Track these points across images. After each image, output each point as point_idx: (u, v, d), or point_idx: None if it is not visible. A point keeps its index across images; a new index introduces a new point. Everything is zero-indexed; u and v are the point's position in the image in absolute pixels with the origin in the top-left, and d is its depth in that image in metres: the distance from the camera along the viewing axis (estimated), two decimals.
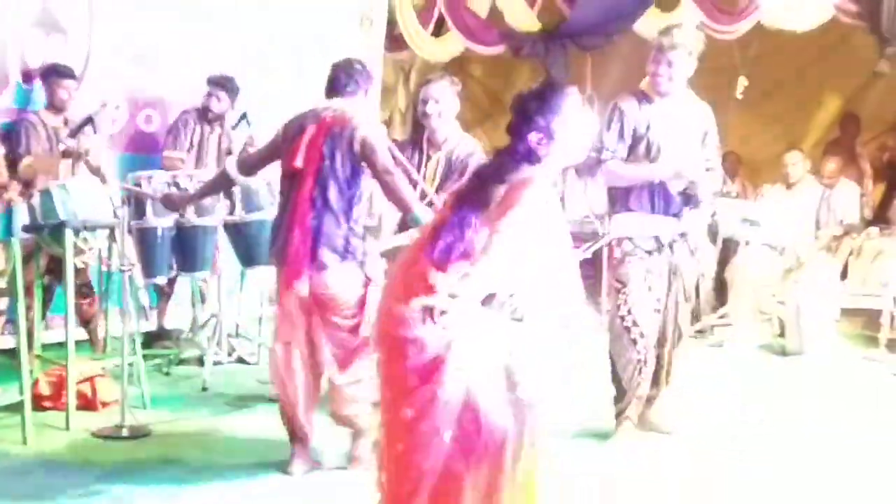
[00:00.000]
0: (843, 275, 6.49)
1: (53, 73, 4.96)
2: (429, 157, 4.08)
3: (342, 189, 3.35)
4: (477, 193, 2.45)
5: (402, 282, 2.45)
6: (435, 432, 2.35)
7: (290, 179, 3.44)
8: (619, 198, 3.94)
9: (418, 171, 4.05)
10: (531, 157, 2.44)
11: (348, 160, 3.36)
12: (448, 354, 2.35)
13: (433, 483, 2.37)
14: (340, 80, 3.53)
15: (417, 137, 4.20)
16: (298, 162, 3.35)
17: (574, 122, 2.48)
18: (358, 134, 3.36)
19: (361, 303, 3.35)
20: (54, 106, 4.93)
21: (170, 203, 4.12)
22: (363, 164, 3.38)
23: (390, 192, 3.41)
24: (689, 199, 3.89)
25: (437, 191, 3.93)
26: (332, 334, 3.35)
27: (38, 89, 5.16)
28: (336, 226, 3.32)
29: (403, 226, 3.79)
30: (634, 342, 3.84)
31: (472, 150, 4.08)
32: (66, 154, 4.78)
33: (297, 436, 3.45)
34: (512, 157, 2.47)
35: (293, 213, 3.35)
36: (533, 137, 2.43)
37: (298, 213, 3.33)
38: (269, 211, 4.48)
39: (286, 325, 3.40)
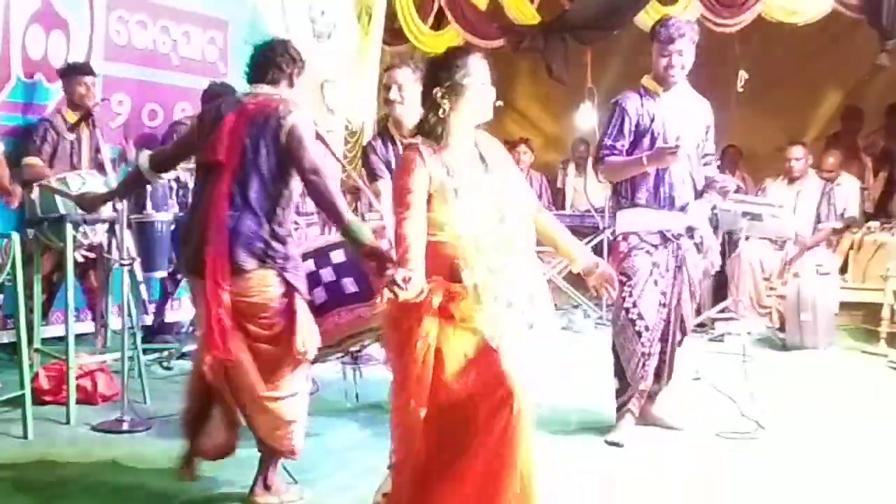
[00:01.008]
0: (844, 269, 6.49)
1: (71, 71, 5.01)
2: (398, 146, 3.95)
3: (266, 186, 3.00)
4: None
5: None
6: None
7: (207, 175, 3.09)
8: (625, 193, 3.93)
9: (389, 162, 3.95)
10: (438, 110, 2.54)
11: (273, 154, 3.00)
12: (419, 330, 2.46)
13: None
14: (262, 64, 3.19)
15: (385, 127, 4.10)
16: (219, 154, 3.01)
17: (478, 77, 2.58)
18: (285, 124, 2.99)
19: (283, 312, 2.99)
20: (74, 103, 4.98)
21: (83, 203, 3.68)
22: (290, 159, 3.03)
23: (317, 196, 3.02)
24: (693, 192, 3.90)
25: None
26: (251, 345, 3.00)
27: (40, 84, 5.17)
28: (257, 227, 2.97)
29: None
30: (639, 335, 3.84)
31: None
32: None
33: (197, 451, 3.15)
34: (422, 124, 2.58)
35: (208, 213, 2.99)
36: (437, 92, 2.55)
37: (215, 211, 2.97)
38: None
39: (229, 337, 2.98)
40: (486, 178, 2.62)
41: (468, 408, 2.48)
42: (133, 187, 3.72)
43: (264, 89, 3.12)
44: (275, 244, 2.98)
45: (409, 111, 3.89)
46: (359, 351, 3.97)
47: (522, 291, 2.56)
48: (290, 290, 3.01)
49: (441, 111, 2.57)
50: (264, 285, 2.97)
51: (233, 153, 3.00)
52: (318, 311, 3.21)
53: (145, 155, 3.32)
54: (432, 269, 2.51)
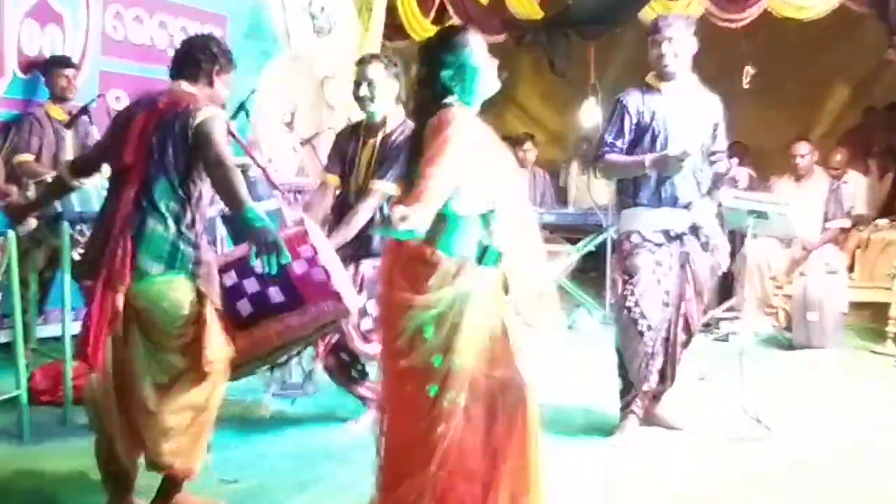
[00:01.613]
0: (851, 268, 6.43)
1: (51, 64, 5.01)
2: (364, 144, 3.87)
3: (174, 188, 2.88)
4: (409, 165, 2.56)
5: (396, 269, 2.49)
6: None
7: (117, 177, 2.99)
8: (628, 191, 3.89)
9: (353, 158, 3.88)
10: (446, 95, 2.50)
11: (181, 153, 2.88)
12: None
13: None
14: (180, 60, 3.08)
15: (357, 123, 4.00)
16: (126, 157, 2.91)
17: (480, 53, 2.56)
18: (192, 122, 2.87)
19: (193, 320, 2.86)
20: (57, 96, 4.96)
21: (10, 212, 3.56)
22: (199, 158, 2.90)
23: (218, 186, 2.87)
24: (698, 190, 3.84)
25: (372, 177, 3.74)
26: (155, 356, 2.87)
27: (37, 80, 5.14)
28: (162, 230, 2.85)
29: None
30: (641, 334, 3.79)
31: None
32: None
33: (118, 479, 2.95)
34: (427, 107, 2.53)
35: (113, 216, 2.87)
36: (446, 75, 2.51)
37: (120, 215, 2.85)
38: None
39: (102, 347, 2.86)
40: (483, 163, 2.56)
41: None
42: (56, 195, 3.53)
43: (181, 86, 3.02)
44: (183, 247, 2.86)
45: (380, 108, 3.83)
46: (285, 362, 3.73)
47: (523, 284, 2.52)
48: (201, 297, 2.87)
49: (451, 94, 2.52)
50: (171, 290, 2.84)
51: (139, 154, 2.90)
52: (244, 323, 3.05)
53: (67, 161, 3.21)
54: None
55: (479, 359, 2.42)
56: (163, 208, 2.86)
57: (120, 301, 2.81)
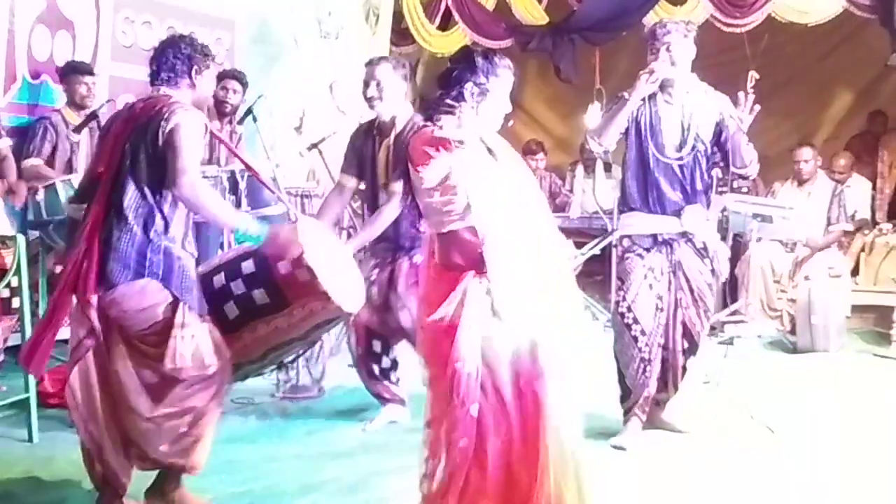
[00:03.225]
0: (855, 271, 6.44)
1: (71, 71, 5.01)
2: (380, 144, 3.91)
3: (143, 194, 2.83)
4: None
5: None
6: (462, 406, 2.50)
7: (89, 185, 2.97)
8: (623, 195, 3.92)
9: (372, 159, 3.92)
10: (459, 101, 2.59)
11: (154, 160, 2.82)
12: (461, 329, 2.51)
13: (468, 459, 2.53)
14: (157, 63, 3.00)
15: (370, 123, 4.04)
16: (100, 165, 2.88)
17: (503, 91, 2.67)
18: (164, 126, 2.81)
19: (168, 324, 2.83)
20: (75, 103, 4.97)
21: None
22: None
23: (188, 205, 2.84)
24: (686, 195, 3.81)
25: (390, 178, 3.78)
26: (137, 361, 2.85)
27: (47, 85, 5.17)
28: (129, 238, 2.81)
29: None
30: (635, 340, 3.79)
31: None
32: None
33: (108, 484, 2.94)
34: (436, 108, 2.61)
35: (84, 226, 2.85)
36: (470, 87, 2.59)
37: (90, 224, 2.82)
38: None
39: (44, 352, 2.88)
40: (495, 167, 2.63)
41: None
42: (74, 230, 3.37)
43: (161, 90, 2.97)
44: (151, 255, 2.82)
45: (389, 108, 3.87)
46: (293, 360, 3.84)
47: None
48: (176, 302, 2.84)
49: (467, 104, 2.61)
50: (143, 297, 2.82)
51: (112, 161, 2.86)
52: (232, 325, 3.02)
53: (68, 199, 3.23)
54: (462, 256, 2.56)
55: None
56: (130, 216, 2.82)
57: (92, 312, 2.79)
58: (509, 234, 2.55)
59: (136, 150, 2.85)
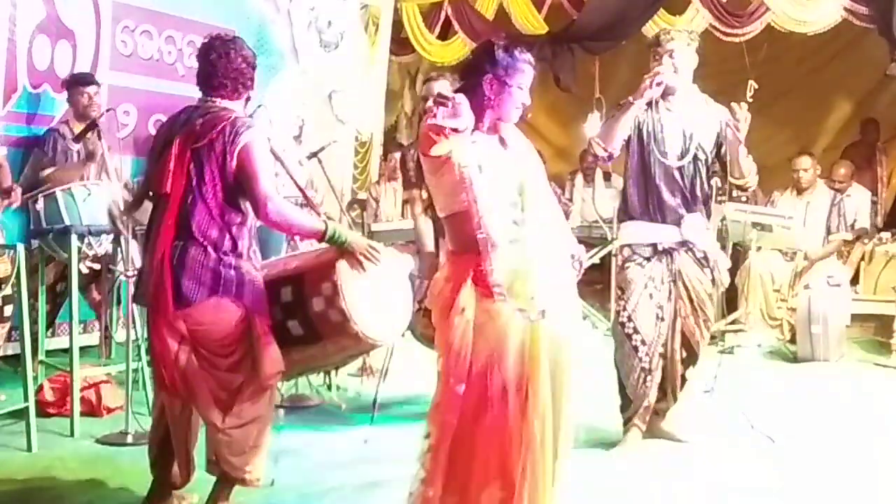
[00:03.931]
0: (855, 280, 6.43)
1: (74, 83, 5.03)
2: None
3: (212, 215, 2.84)
4: None
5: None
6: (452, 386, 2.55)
7: (157, 203, 2.97)
8: (625, 203, 3.92)
9: None
10: (476, 91, 2.62)
11: (220, 180, 2.82)
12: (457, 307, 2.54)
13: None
14: (211, 68, 2.88)
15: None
16: (164, 186, 2.86)
17: (523, 84, 2.67)
18: (234, 149, 2.80)
19: (240, 338, 2.89)
20: (80, 114, 4.98)
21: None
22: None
23: (276, 227, 2.92)
24: (687, 204, 3.81)
25: None
26: (210, 373, 2.90)
27: (47, 95, 5.18)
28: (202, 257, 2.83)
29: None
30: (636, 349, 3.79)
31: None
32: (89, 157, 4.79)
33: (164, 485, 3.08)
34: (442, 99, 2.59)
35: (155, 244, 2.88)
36: (489, 79, 2.63)
37: (159, 243, 2.86)
38: None
39: (173, 370, 2.90)
40: (504, 155, 2.69)
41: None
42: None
43: (217, 104, 2.92)
44: (225, 272, 2.85)
45: None
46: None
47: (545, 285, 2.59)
48: (249, 314, 2.89)
49: (484, 98, 2.63)
50: (218, 313, 2.86)
51: (177, 182, 2.84)
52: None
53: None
54: (463, 241, 2.59)
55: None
56: (200, 236, 2.84)
57: (181, 324, 2.85)
58: (508, 217, 2.58)
59: (202, 170, 2.83)
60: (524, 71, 2.68)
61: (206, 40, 2.97)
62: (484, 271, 2.54)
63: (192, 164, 2.83)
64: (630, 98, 3.79)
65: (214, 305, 2.86)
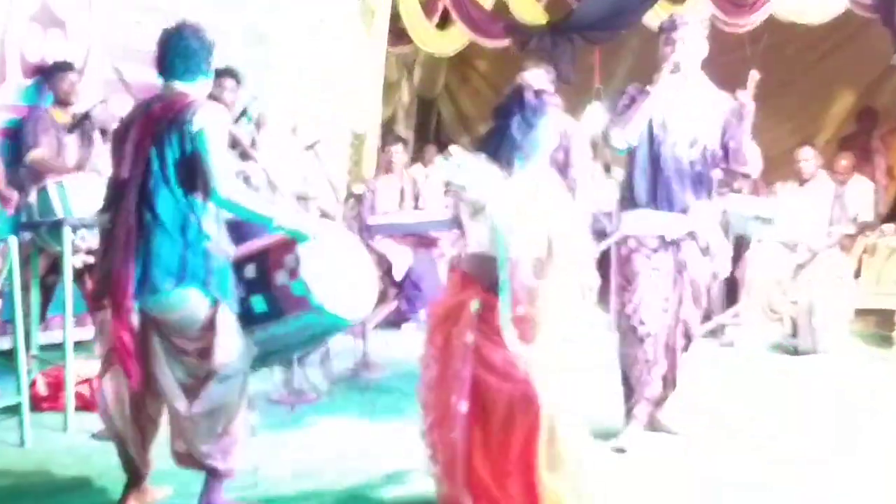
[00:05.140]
0: (857, 273, 6.39)
1: (53, 70, 5.00)
2: None
3: (176, 199, 2.80)
4: None
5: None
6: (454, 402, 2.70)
7: (115, 191, 2.90)
8: (626, 192, 3.88)
9: None
10: (505, 132, 2.80)
11: (182, 163, 2.79)
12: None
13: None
14: (169, 55, 2.89)
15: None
16: (123, 172, 2.82)
17: (550, 126, 2.87)
18: (190, 130, 2.77)
19: (209, 325, 2.84)
20: (61, 101, 4.95)
21: None
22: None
23: (234, 212, 2.86)
24: (696, 192, 3.78)
25: None
26: (177, 360, 2.88)
27: (40, 85, 5.13)
28: (170, 244, 2.79)
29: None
30: (641, 341, 3.76)
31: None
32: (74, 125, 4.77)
33: (132, 473, 3.06)
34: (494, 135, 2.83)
35: (117, 233, 2.82)
36: (517, 121, 2.81)
37: (122, 231, 2.80)
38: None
39: (136, 365, 2.86)
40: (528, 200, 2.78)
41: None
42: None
43: (176, 87, 2.89)
44: (192, 258, 2.81)
45: None
46: (302, 357, 3.86)
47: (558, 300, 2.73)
48: (216, 302, 2.85)
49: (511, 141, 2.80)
50: (185, 301, 2.82)
51: (137, 167, 2.81)
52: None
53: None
54: (475, 275, 2.76)
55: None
56: (167, 222, 2.80)
57: (133, 317, 2.82)
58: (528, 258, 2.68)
59: (163, 153, 2.80)
60: (551, 114, 2.88)
61: (170, 31, 2.97)
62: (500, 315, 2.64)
63: (153, 148, 2.80)
64: (647, 87, 3.74)
65: (182, 293, 2.81)
